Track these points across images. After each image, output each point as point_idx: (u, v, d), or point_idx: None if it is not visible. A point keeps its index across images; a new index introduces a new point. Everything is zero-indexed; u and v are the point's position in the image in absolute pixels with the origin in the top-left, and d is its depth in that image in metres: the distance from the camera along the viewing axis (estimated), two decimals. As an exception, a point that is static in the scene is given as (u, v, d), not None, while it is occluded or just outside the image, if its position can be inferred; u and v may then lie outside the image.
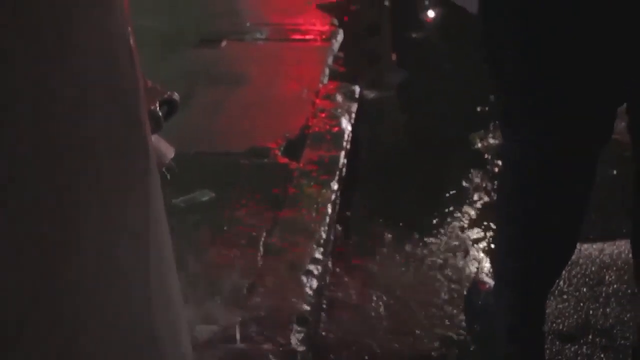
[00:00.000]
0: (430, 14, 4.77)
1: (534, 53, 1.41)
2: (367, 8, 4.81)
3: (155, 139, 1.58)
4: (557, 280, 2.02)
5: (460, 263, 2.35)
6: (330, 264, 2.33)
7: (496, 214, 1.89)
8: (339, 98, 3.29)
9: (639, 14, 1.27)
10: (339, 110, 3.17)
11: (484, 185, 2.79)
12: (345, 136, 2.95)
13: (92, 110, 0.94)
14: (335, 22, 4.33)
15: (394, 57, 4.28)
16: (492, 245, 2.32)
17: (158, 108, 1.64)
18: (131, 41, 1.08)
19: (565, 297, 2.15)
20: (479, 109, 3.32)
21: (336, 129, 3.01)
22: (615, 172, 2.76)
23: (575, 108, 1.44)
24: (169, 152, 1.83)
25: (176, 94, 1.69)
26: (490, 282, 2.05)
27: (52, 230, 0.86)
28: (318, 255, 2.22)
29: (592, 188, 1.61)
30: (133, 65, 1.08)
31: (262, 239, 2.31)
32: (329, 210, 2.45)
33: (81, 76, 0.89)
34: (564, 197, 1.57)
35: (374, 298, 2.21)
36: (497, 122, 2.33)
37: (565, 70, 1.40)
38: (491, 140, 3.03)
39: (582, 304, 2.13)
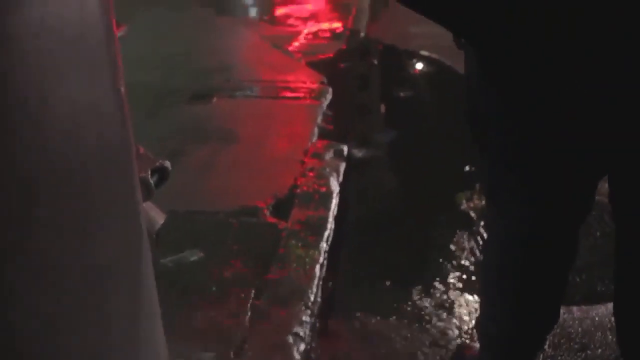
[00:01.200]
0: (419, 66, 4.87)
1: (515, 133, 1.46)
2: (356, 66, 4.90)
3: (146, 205, 1.62)
4: (542, 346, 2.04)
5: (446, 326, 2.37)
6: (317, 325, 2.34)
7: (480, 279, 1.92)
8: (328, 157, 3.34)
9: (617, 94, 1.32)
10: (327, 170, 3.21)
11: (469, 246, 2.82)
12: (333, 196, 2.99)
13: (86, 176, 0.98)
14: (325, 80, 4.41)
15: (382, 115, 4.34)
16: (477, 309, 2.34)
17: (149, 176, 1.68)
18: (125, 111, 1.12)
19: (549, 361, 2.18)
20: (466, 168, 3.37)
21: (324, 188, 3.05)
22: (598, 233, 2.80)
23: (557, 185, 1.48)
24: (160, 218, 1.86)
25: (167, 162, 1.73)
26: (475, 346, 2.07)
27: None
28: (306, 318, 2.24)
29: (575, 257, 1.65)
30: (126, 131, 1.11)
31: (250, 300, 2.33)
32: (317, 272, 2.48)
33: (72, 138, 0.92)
34: (547, 268, 1.61)
35: (360, 360, 2.23)
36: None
37: (547, 148, 1.45)
38: (477, 201, 3.07)
39: (566, 369, 2.15)
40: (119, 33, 1.40)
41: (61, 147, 0.90)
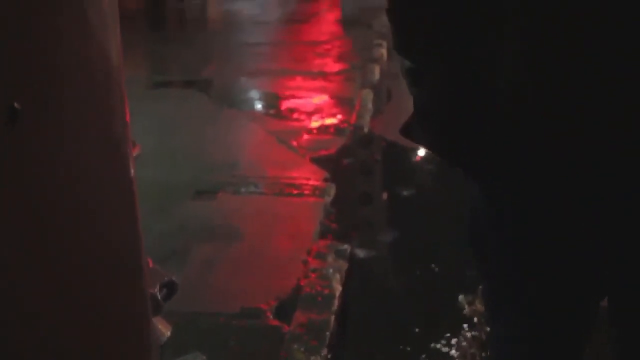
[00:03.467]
0: (422, 164, 4.95)
1: (516, 254, 1.50)
2: (360, 163, 4.99)
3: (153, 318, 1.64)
4: None
5: None
6: None
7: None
8: (331, 258, 3.38)
9: (614, 211, 1.35)
10: (330, 271, 3.24)
11: (471, 351, 2.82)
12: (335, 299, 3.01)
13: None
14: (328, 177, 4.48)
15: (385, 213, 4.40)
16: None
17: (158, 291, 1.71)
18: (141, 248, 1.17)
19: None
20: (467, 272, 3.39)
21: (327, 290, 3.07)
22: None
23: (559, 307, 1.51)
24: (166, 330, 1.89)
25: (175, 277, 1.77)
26: None
27: None
28: None
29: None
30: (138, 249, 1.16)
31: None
32: (319, 378, 2.48)
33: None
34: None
35: None
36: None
37: (548, 270, 1.48)
38: (479, 305, 3.09)
39: None
40: (134, 153, 1.46)
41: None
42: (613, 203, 1.30)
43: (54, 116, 0.79)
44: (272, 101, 6.70)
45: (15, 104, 0.70)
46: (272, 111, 6.31)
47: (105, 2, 0.93)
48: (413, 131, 1.42)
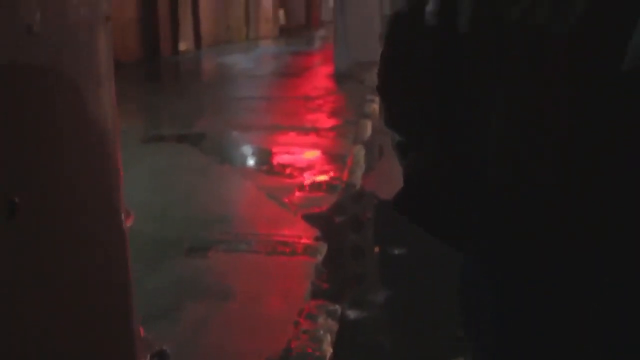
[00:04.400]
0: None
1: (505, 324, 1.50)
2: (351, 221, 5.01)
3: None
4: None
5: None
6: None
7: None
8: (321, 319, 3.37)
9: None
10: (321, 332, 3.23)
11: (463, 417, 2.80)
12: (327, 361, 3.00)
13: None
14: (320, 235, 4.49)
15: (376, 273, 4.40)
16: None
17: (149, 361, 1.71)
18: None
19: None
20: (458, 333, 3.38)
21: (317, 353, 3.06)
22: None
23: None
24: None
25: (166, 347, 1.77)
26: None
27: None
28: None
29: None
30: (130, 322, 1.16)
31: None
32: None
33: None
34: None
35: None
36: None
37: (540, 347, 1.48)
38: (470, 369, 3.07)
39: None
40: (128, 223, 1.48)
41: None
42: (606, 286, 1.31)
43: (52, 205, 0.81)
44: (265, 157, 6.75)
45: (16, 199, 0.72)
46: (264, 167, 6.35)
47: (104, 92, 0.96)
48: (404, 205, 1.44)
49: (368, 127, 7.69)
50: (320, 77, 14.21)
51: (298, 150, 6.91)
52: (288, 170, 6.14)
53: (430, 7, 1.26)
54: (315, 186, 5.69)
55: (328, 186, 5.69)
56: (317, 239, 4.45)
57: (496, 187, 1.25)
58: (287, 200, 5.28)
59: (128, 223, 1.41)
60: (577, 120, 1.14)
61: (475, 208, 1.32)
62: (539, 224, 1.26)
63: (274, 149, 7.01)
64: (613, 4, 1.09)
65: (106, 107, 0.98)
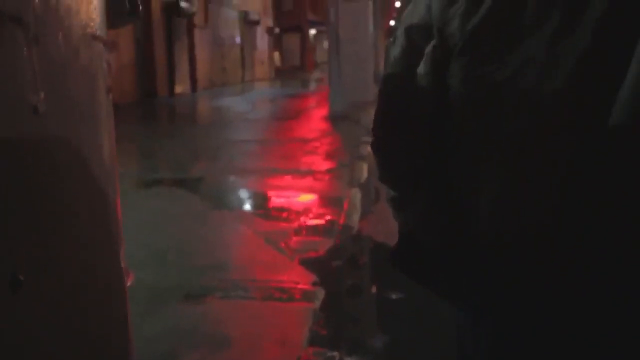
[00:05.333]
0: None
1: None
2: (348, 265, 5.00)
3: None
4: None
5: None
6: None
7: None
8: (320, 367, 3.35)
9: None
10: (320, 380, 3.22)
11: None
12: (326, 412, 2.98)
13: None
14: (317, 280, 4.49)
15: (374, 318, 4.38)
16: None
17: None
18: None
19: None
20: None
21: (316, 403, 3.04)
22: None
23: None
24: None
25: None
26: None
27: None
28: None
29: None
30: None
31: None
32: None
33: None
34: None
35: None
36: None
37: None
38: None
39: None
40: (128, 283, 1.49)
41: None
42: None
43: (55, 278, 0.82)
44: (261, 201, 6.77)
45: (21, 277, 0.73)
46: (260, 211, 6.36)
47: (106, 157, 0.98)
48: (400, 261, 1.45)
49: (364, 170, 7.73)
50: (315, 119, 14.31)
51: (294, 194, 6.93)
52: (285, 214, 6.15)
53: (422, 68, 1.29)
54: (312, 230, 5.70)
55: (325, 230, 5.70)
56: (314, 284, 4.45)
57: (490, 243, 1.27)
58: (283, 244, 5.28)
59: (128, 283, 1.42)
60: (571, 176, 1.16)
61: (469, 263, 1.34)
62: (533, 278, 1.27)
63: (271, 193, 7.03)
64: (601, 62, 1.11)
65: (108, 172, 1.00)
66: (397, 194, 1.45)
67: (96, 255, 1.00)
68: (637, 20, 1.09)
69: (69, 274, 0.85)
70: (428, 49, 1.29)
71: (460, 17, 1.24)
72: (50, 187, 0.78)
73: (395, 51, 1.33)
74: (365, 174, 7.56)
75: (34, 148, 0.74)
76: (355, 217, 6.04)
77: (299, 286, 4.41)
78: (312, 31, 50.80)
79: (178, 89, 23.21)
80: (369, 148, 9.01)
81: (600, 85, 1.12)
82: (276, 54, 44.35)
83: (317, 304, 4.14)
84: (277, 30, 42.40)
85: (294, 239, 5.44)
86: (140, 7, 1.50)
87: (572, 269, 1.20)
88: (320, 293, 4.28)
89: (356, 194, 6.66)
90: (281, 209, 6.36)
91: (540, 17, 1.17)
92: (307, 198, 6.82)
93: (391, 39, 1.38)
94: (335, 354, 3.51)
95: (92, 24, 0.90)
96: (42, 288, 0.78)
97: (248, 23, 33.16)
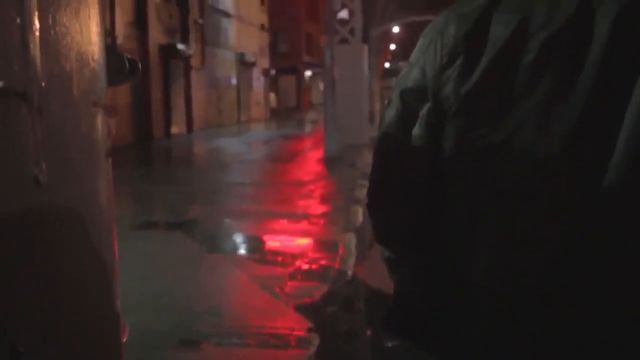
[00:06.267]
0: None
1: None
2: (343, 311, 4.98)
3: None
4: None
5: None
6: None
7: None
8: (315, 416, 3.32)
9: None
10: None
11: None
12: None
13: None
14: (312, 326, 4.46)
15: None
16: None
17: None
18: None
19: None
20: None
21: None
22: None
23: None
24: None
25: None
26: None
27: None
28: None
29: None
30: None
31: None
32: None
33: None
34: None
35: None
36: None
37: None
38: None
39: None
40: (124, 338, 1.48)
41: None
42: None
43: (54, 346, 0.83)
44: (256, 244, 6.76)
45: (20, 349, 0.73)
46: (255, 255, 6.35)
47: (105, 220, 0.99)
48: (393, 323, 1.45)
49: (359, 214, 7.74)
50: (311, 161, 14.36)
51: (290, 238, 6.92)
52: (280, 259, 6.14)
53: (417, 131, 1.31)
54: (307, 275, 5.68)
55: (320, 275, 5.68)
56: (309, 330, 4.42)
57: (484, 306, 1.27)
58: (278, 289, 5.26)
59: (124, 338, 1.42)
60: (565, 238, 1.17)
61: (462, 325, 1.34)
62: (527, 341, 1.27)
63: (266, 237, 7.02)
64: (594, 127, 1.13)
65: (107, 234, 1.01)
66: (393, 255, 1.46)
67: (95, 322, 1.00)
68: (629, 86, 1.11)
69: (69, 343, 0.86)
70: (423, 111, 1.30)
71: (454, 81, 1.26)
72: (51, 257, 0.79)
73: (391, 114, 1.35)
74: (360, 218, 7.57)
75: (35, 219, 0.75)
76: (351, 262, 6.02)
77: (294, 332, 4.38)
78: (308, 72, 51.25)
79: (174, 129, 23.31)
80: (364, 191, 9.04)
81: (594, 150, 1.13)
82: (272, 95, 44.67)
83: (313, 350, 4.12)
84: (273, 71, 42.77)
85: (289, 284, 5.42)
86: (140, 66, 1.52)
87: (568, 332, 1.20)
88: (316, 339, 4.25)
89: (351, 239, 6.66)
90: (276, 253, 6.35)
91: (532, 81, 1.19)
92: (303, 242, 6.81)
93: (386, 102, 1.40)
94: (331, 403, 3.48)
95: (93, 91, 0.92)
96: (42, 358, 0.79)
97: (244, 64, 33.45)
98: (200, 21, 25.94)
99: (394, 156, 1.35)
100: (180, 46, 23.39)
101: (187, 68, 24.88)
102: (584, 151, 1.14)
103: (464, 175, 1.26)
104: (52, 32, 0.85)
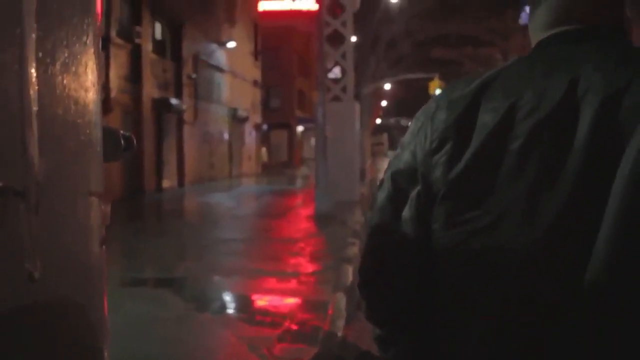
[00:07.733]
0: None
1: None
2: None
3: None
4: None
5: None
6: None
7: None
8: None
9: None
10: None
11: None
12: None
13: None
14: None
15: None
16: None
17: None
18: None
19: None
20: None
21: None
22: None
23: None
24: None
25: None
26: None
27: None
28: None
29: None
30: None
31: None
32: None
33: None
34: None
35: None
36: None
37: None
38: None
39: None
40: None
41: None
42: None
43: None
44: (245, 304, 6.71)
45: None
46: (244, 315, 6.30)
47: (98, 297, 0.99)
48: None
49: (349, 273, 7.71)
50: (301, 218, 14.35)
51: (279, 298, 6.88)
52: (269, 319, 6.09)
53: (407, 212, 1.33)
54: (296, 336, 5.63)
55: (309, 336, 5.63)
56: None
57: None
58: (267, 351, 5.20)
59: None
60: (550, 324, 1.17)
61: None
62: None
63: (255, 296, 6.98)
64: (579, 216, 1.15)
65: (99, 321, 1.01)
66: (384, 333, 1.46)
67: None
68: (612, 174, 1.14)
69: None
70: (413, 193, 1.33)
71: (442, 165, 1.28)
72: (44, 352, 0.79)
73: (382, 195, 1.37)
74: (350, 277, 7.53)
75: (28, 315, 0.76)
76: (340, 323, 5.98)
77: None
78: (300, 127, 51.61)
79: (165, 183, 23.32)
80: (354, 250, 9.01)
81: (579, 238, 1.15)
82: (263, 150, 44.87)
83: None
84: (265, 126, 43.04)
85: (278, 345, 5.37)
86: (135, 142, 1.54)
87: None
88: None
89: (341, 299, 6.62)
90: (265, 313, 6.31)
91: (518, 167, 1.21)
92: (292, 302, 6.77)
93: (378, 183, 1.42)
94: None
95: (89, 180, 0.93)
96: None
97: (236, 119, 33.66)
98: (193, 76, 26.17)
99: (384, 237, 1.37)
100: (173, 101, 23.55)
101: (180, 122, 25.01)
102: (568, 240, 1.15)
103: (451, 257, 1.27)
104: (51, 125, 0.86)
